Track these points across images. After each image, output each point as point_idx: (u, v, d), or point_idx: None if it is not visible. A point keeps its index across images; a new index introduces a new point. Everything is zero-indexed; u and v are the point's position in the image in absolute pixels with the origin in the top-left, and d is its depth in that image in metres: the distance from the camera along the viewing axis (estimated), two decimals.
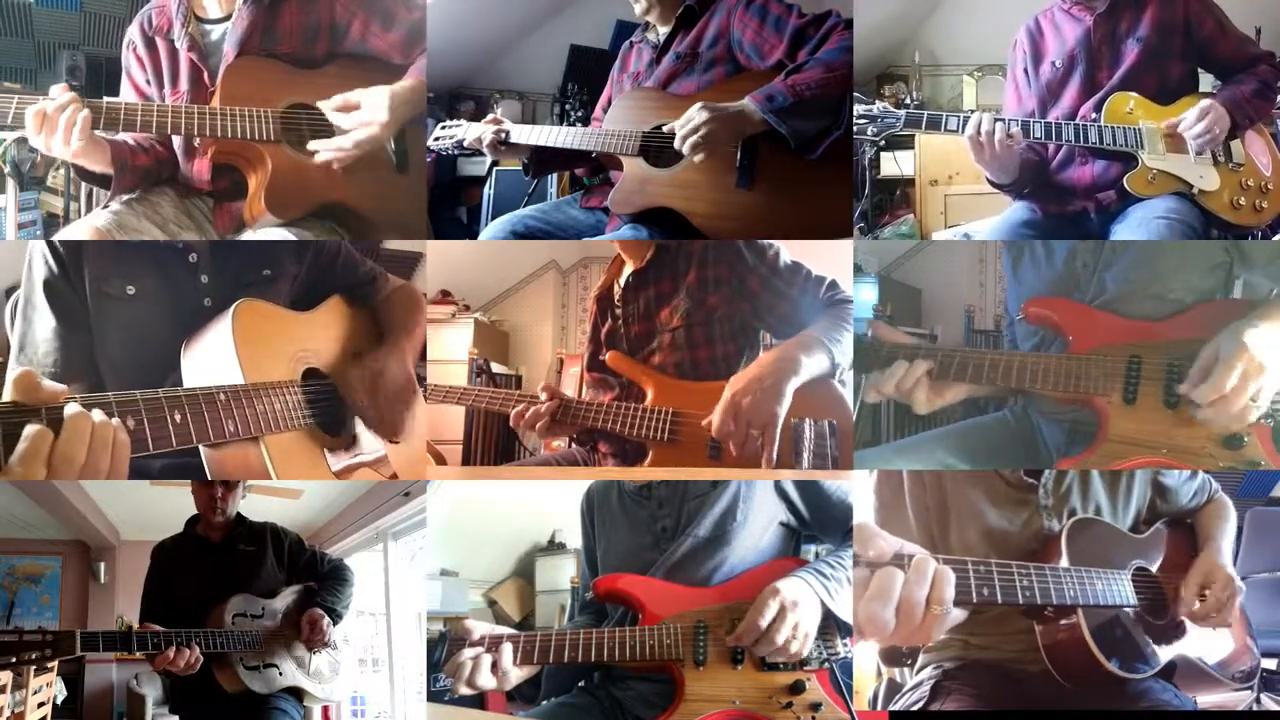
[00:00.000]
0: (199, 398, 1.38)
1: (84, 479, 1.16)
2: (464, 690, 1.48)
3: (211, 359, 1.55)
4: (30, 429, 1.10)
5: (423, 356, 1.90)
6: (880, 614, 1.08)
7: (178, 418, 1.32)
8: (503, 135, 2.24)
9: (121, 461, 1.20)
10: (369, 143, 1.91)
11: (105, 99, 1.85)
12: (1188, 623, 1.66)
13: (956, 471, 1.77)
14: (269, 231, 1.96)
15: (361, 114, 1.90)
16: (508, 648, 1.49)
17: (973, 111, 2.01)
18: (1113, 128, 1.96)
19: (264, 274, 1.79)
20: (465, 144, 2.30)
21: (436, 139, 2.37)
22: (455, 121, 2.34)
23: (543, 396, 1.99)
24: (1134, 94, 1.98)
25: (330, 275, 1.89)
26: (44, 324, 1.64)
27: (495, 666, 1.48)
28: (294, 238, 1.94)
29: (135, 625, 2.18)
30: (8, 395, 1.14)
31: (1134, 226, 1.94)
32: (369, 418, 1.69)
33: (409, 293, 1.98)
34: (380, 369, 1.73)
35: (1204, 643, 1.69)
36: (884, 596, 1.08)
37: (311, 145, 1.92)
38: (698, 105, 1.90)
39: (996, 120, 1.94)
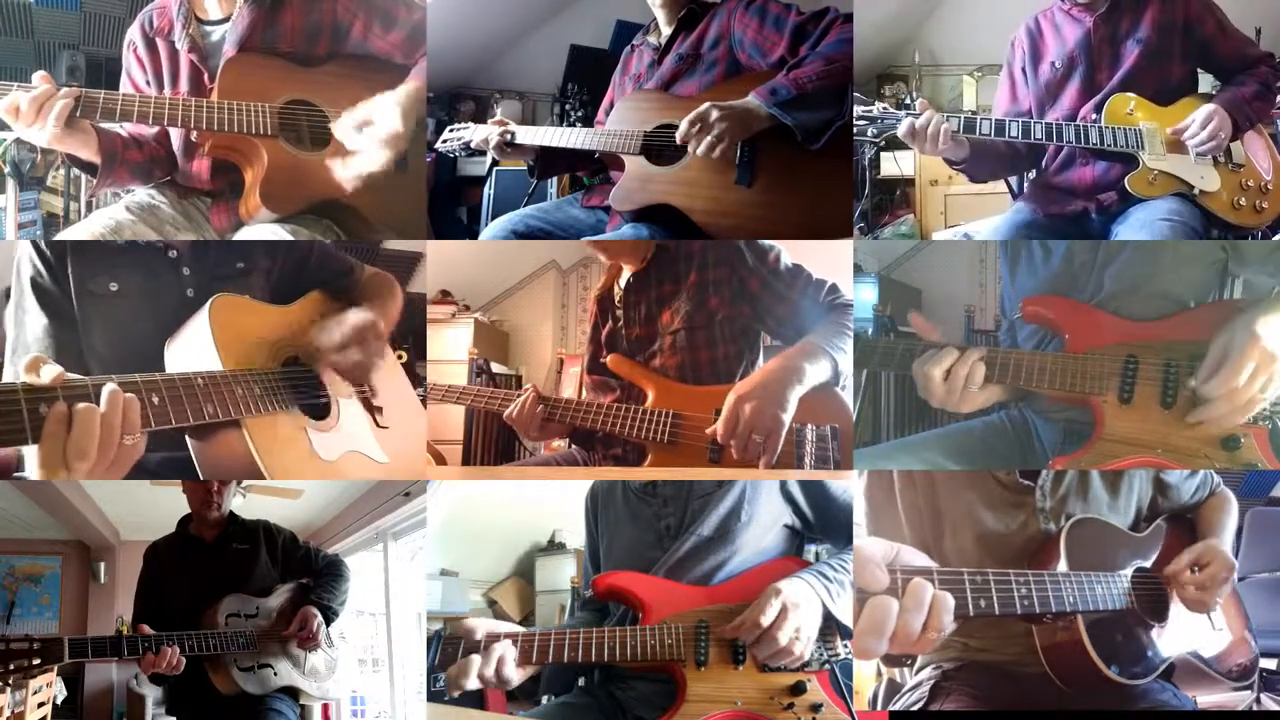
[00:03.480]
0: (176, 381, 1.40)
1: (97, 471, 1.23)
2: (460, 691, 1.48)
3: (191, 352, 1.56)
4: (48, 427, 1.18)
5: (422, 356, 1.90)
6: (874, 648, 1.07)
7: (156, 400, 1.34)
8: (508, 136, 2.24)
9: (132, 425, 1.27)
10: (390, 158, 1.92)
11: (103, 91, 1.85)
12: (1173, 605, 1.63)
13: (950, 473, 1.76)
14: (263, 229, 1.96)
15: (376, 130, 1.90)
16: (511, 652, 1.49)
17: (973, 112, 2.02)
18: (1113, 129, 1.96)
19: (238, 267, 1.80)
20: (473, 145, 2.30)
21: (445, 141, 2.38)
22: (463, 124, 2.35)
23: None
24: (1134, 95, 1.98)
25: (306, 270, 1.89)
26: (35, 323, 1.65)
27: (499, 671, 1.48)
28: (289, 235, 1.94)
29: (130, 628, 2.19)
30: (19, 377, 1.21)
31: (1135, 228, 1.94)
32: (333, 362, 1.70)
33: (382, 278, 1.99)
34: (340, 316, 1.74)
35: (1200, 637, 1.68)
36: (877, 632, 1.07)
37: (337, 171, 1.92)
38: (706, 105, 1.90)
39: (935, 119, 1.96)
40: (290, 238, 1.93)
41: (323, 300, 1.87)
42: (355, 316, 1.75)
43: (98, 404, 1.23)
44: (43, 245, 1.69)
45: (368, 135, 1.90)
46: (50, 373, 1.22)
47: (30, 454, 1.21)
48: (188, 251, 1.77)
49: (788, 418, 1.75)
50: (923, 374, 1.64)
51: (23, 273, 1.67)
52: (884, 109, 2.04)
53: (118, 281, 1.68)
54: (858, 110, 2.00)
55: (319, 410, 1.69)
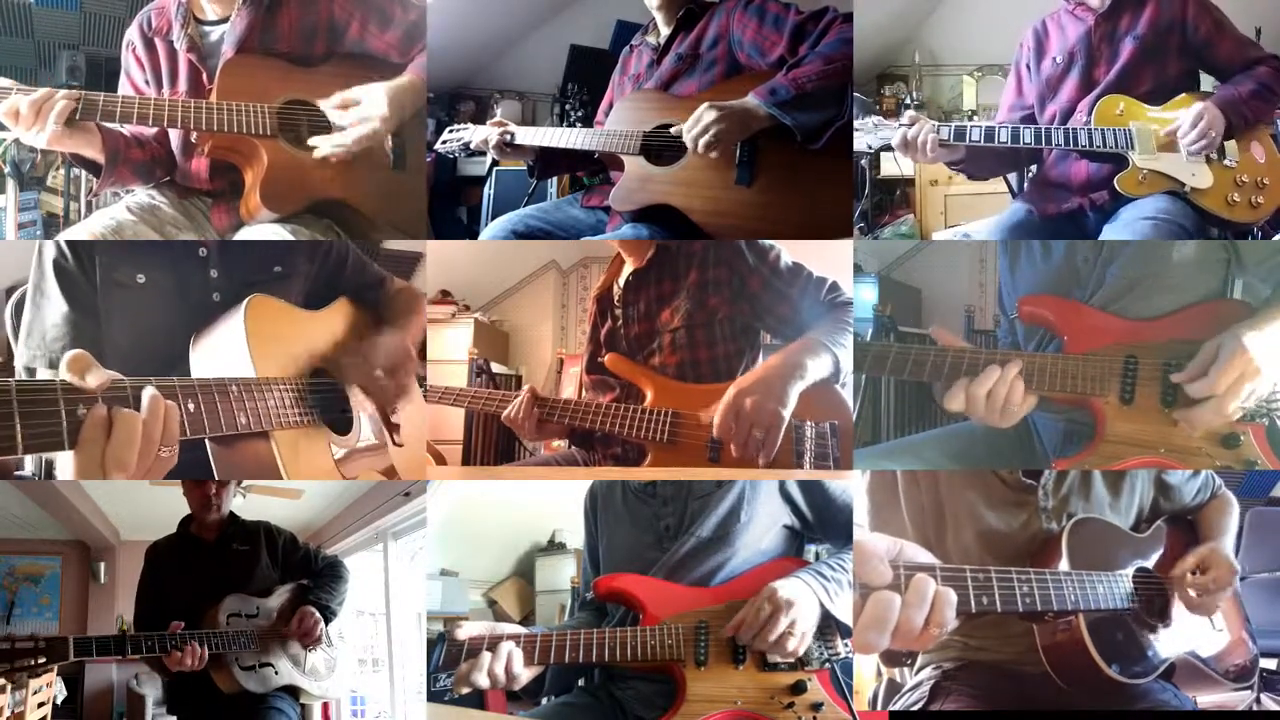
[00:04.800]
0: (212, 387, 1.36)
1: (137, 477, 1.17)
2: (470, 688, 1.48)
3: (223, 352, 1.54)
4: (87, 431, 1.11)
5: (422, 356, 1.90)
6: (876, 642, 1.07)
7: (191, 407, 1.30)
8: (508, 137, 2.24)
9: (171, 436, 1.21)
10: (369, 138, 1.91)
11: (103, 93, 1.85)
12: (1175, 608, 1.63)
13: (952, 472, 1.76)
14: (266, 229, 1.96)
15: (360, 109, 1.90)
16: (518, 654, 1.50)
17: (972, 114, 2.02)
18: (1102, 130, 1.96)
19: (275, 270, 1.78)
20: (472, 146, 2.30)
21: (444, 142, 2.38)
22: (462, 125, 2.35)
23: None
24: (1124, 96, 1.99)
25: (341, 276, 1.89)
26: (54, 309, 1.63)
27: (509, 668, 1.48)
28: (290, 235, 1.94)
29: (132, 627, 2.19)
30: (62, 374, 1.13)
31: (1121, 228, 1.94)
32: (371, 388, 1.69)
33: (411, 292, 1.99)
34: (374, 340, 1.73)
35: (1199, 637, 1.68)
36: (880, 626, 1.06)
37: (312, 141, 1.91)
38: (705, 105, 1.90)
39: (925, 130, 2.00)
40: (292, 237, 1.93)
41: (352, 310, 1.87)
42: (392, 342, 1.73)
43: (138, 409, 1.16)
44: (71, 239, 1.67)
45: (351, 114, 1.89)
46: (97, 379, 1.12)
47: (65, 459, 1.13)
48: (217, 250, 1.75)
49: (787, 413, 1.74)
50: (965, 397, 1.59)
51: (45, 255, 1.64)
52: (877, 122, 2.05)
53: (145, 274, 1.65)
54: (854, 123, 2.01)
55: (342, 425, 1.68)
